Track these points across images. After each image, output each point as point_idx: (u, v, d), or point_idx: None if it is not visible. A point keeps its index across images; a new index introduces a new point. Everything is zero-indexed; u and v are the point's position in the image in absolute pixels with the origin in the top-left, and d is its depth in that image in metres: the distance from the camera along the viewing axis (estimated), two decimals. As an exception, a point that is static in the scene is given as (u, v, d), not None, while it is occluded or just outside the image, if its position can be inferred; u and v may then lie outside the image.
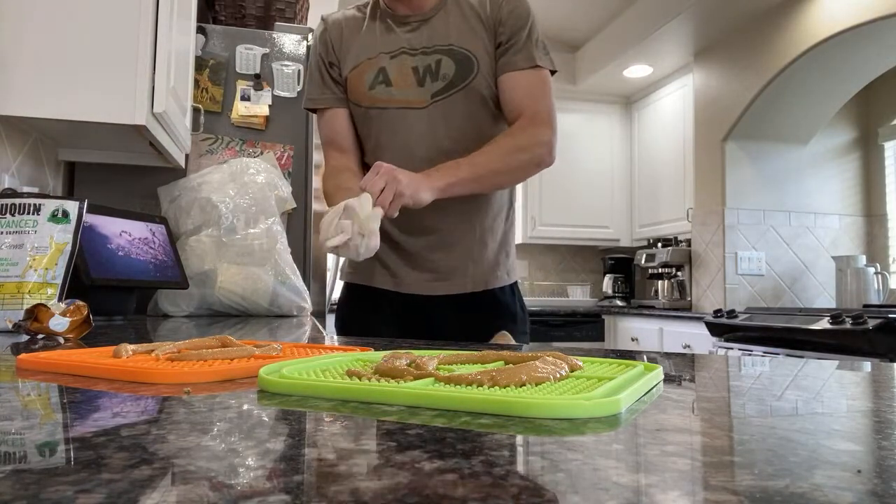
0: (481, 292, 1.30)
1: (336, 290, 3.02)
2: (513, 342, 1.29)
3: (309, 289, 1.99)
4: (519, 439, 0.33)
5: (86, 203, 1.19)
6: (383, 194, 1.04)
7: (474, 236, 1.30)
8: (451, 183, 1.13)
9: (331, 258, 2.43)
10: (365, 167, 1.32)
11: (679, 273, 4.09)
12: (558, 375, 0.48)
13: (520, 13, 1.24)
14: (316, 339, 1.06)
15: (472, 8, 1.26)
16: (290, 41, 2.14)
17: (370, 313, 1.34)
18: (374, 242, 1.03)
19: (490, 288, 1.30)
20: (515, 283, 1.38)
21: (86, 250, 1.39)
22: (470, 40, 1.24)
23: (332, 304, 3.61)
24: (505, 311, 1.32)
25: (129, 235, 1.57)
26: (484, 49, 1.25)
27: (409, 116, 1.25)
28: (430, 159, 1.22)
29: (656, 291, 4.18)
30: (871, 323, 2.37)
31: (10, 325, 0.98)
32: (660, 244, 4.25)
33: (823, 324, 2.55)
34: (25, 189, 1.49)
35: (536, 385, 0.45)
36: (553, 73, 1.28)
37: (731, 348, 3.04)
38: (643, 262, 4.25)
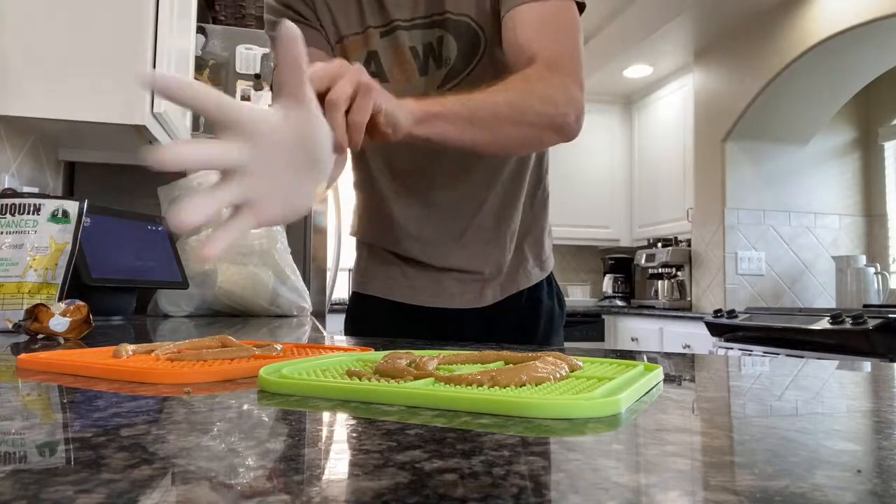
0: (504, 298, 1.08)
1: (336, 291, 3.01)
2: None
3: (309, 289, 1.99)
4: (519, 439, 0.33)
5: (86, 203, 1.19)
6: (353, 107, 0.58)
7: (489, 225, 1.05)
8: (434, 113, 0.69)
9: (331, 258, 2.43)
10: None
11: (679, 273, 4.08)
12: (558, 375, 0.48)
13: None
14: (316, 339, 1.06)
15: None
16: (290, 41, 2.14)
17: (383, 326, 1.13)
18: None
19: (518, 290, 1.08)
20: (550, 275, 1.13)
21: (86, 250, 1.38)
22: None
23: (331, 304, 3.61)
24: (530, 312, 1.10)
25: (129, 235, 1.57)
26: (486, 3, 0.92)
27: None
28: (442, 170, 1.01)
29: (656, 291, 4.18)
30: (871, 323, 2.37)
31: (10, 325, 0.98)
32: (660, 244, 4.25)
33: (823, 324, 2.55)
34: (25, 189, 1.49)
35: (536, 385, 0.44)
36: (581, 6, 0.89)
37: (731, 348, 3.04)
38: (643, 262, 4.25)
